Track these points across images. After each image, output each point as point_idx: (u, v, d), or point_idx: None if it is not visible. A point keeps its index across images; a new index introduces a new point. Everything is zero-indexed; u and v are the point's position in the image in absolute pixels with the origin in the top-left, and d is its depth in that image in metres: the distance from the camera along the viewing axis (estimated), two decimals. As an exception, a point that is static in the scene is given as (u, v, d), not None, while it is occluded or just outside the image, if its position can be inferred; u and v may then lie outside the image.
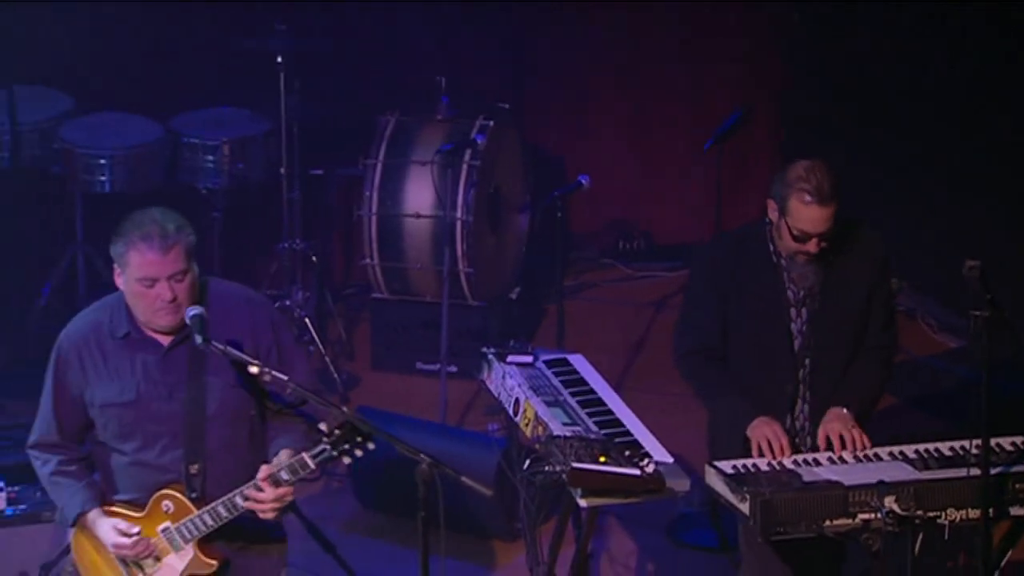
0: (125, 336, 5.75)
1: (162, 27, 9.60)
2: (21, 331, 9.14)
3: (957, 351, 9.26)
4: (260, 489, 5.64)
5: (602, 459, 6.43)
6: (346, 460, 5.61)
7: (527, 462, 6.78)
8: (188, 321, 5.65)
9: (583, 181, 8.86)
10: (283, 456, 5.69)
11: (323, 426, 5.60)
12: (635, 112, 10.34)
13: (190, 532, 5.74)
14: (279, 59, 8.88)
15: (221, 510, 5.70)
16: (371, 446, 5.60)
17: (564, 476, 6.43)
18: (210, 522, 5.72)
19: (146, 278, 5.61)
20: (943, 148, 9.33)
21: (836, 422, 6.37)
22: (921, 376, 8.82)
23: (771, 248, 6.43)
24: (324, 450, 5.59)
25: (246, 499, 5.67)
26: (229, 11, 9.57)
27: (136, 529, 5.75)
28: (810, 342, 6.46)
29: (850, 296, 6.46)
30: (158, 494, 5.75)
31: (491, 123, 9.23)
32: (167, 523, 5.76)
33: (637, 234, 10.36)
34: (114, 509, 5.81)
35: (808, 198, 6.21)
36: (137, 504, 5.79)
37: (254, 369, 5.65)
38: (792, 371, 6.47)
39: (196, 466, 5.75)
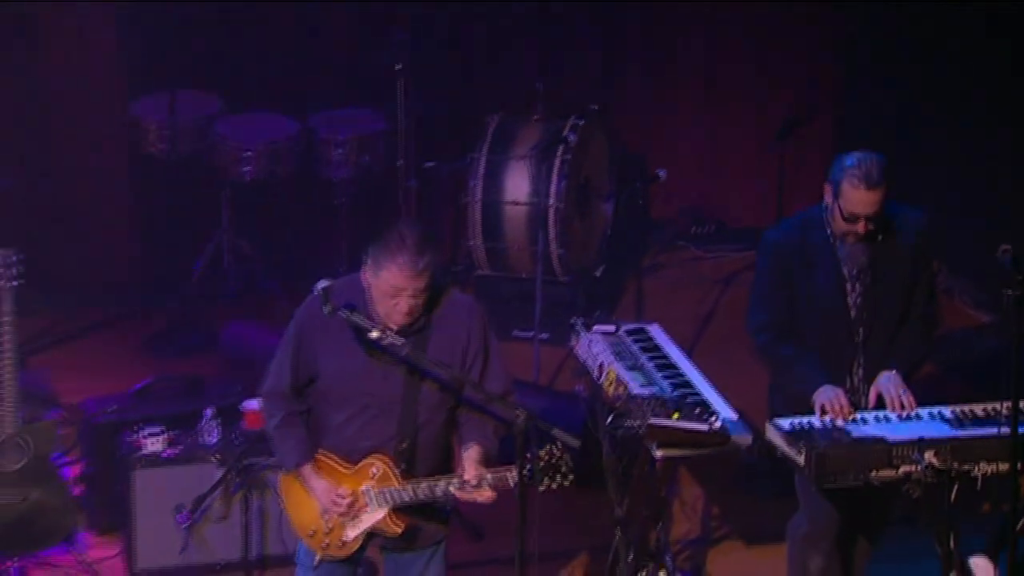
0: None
1: (300, 36, 9.61)
2: (173, 305, 9.17)
3: (990, 325, 9.16)
4: (460, 488, 5.72)
5: (675, 416, 6.47)
6: (540, 489, 5.63)
7: (609, 418, 6.83)
8: (317, 292, 5.68)
9: (661, 174, 8.84)
10: (474, 452, 5.77)
11: (543, 452, 5.62)
12: (707, 112, 10.26)
13: (389, 499, 5.76)
14: (398, 67, 8.84)
15: (422, 491, 5.74)
16: (569, 479, 5.64)
17: (642, 430, 6.49)
18: (408, 497, 5.75)
19: (392, 289, 5.63)
20: (980, 146, 9.24)
21: (888, 383, 6.34)
22: (958, 346, 8.73)
23: (828, 231, 6.39)
24: (529, 474, 5.58)
25: (451, 485, 5.72)
26: (356, 21, 9.55)
27: (348, 495, 5.76)
28: (864, 313, 6.41)
29: (898, 273, 6.41)
30: (370, 458, 5.77)
31: (582, 122, 9.20)
32: (369, 485, 5.77)
33: (708, 220, 10.31)
34: (327, 460, 5.84)
35: (858, 182, 6.20)
36: (345, 456, 5.81)
37: (373, 333, 5.64)
38: (849, 338, 6.43)
39: (406, 443, 5.77)
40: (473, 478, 5.71)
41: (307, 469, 5.82)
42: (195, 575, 7.33)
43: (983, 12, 9.15)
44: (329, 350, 5.80)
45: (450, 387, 5.82)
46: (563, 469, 5.63)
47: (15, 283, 7.04)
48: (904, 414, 6.26)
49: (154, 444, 7.34)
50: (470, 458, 5.76)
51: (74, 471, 7.77)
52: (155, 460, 7.32)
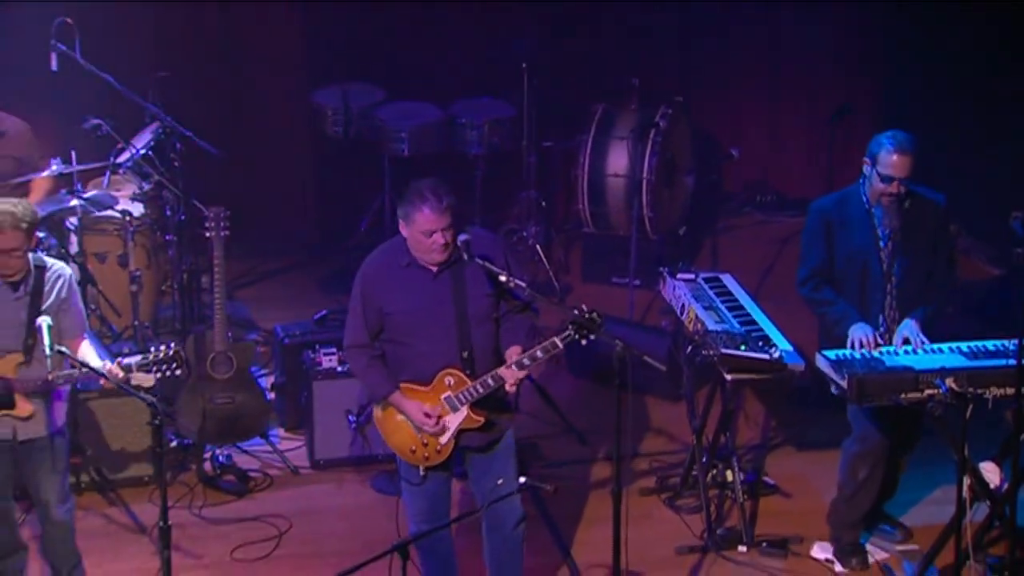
0: (408, 265, 5.76)
1: (445, 37, 9.57)
2: (346, 251, 9.20)
3: (1001, 277, 9.03)
4: (509, 368, 5.68)
5: (742, 347, 6.49)
6: (583, 342, 5.57)
7: (689, 348, 6.86)
8: (459, 245, 5.69)
9: (734, 153, 8.81)
10: (513, 350, 5.72)
11: (575, 312, 5.55)
12: (769, 102, 10.15)
13: (466, 397, 5.76)
14: (524, 64, 8.83)
15: (490, 382, 5.73)
16: (601, 333, 5.54)
17: (715, 358, 6.51)
18: (480, 390, 5.74)
19: (426, 231, 5.64)
20: (999, 129, 9.09)
21: (907, 329, 6.31)
22: (974, 294, 8.60)
23: (864, 200, 6.34)
24: (569, 335, 5.57)
25: (498, 378, 5.70)
26: (490, 26, 9.50)
27: (437, 412, 5.76)
28: (893, 267, 6.37)
29: (921, 235, 6.37)
30: (442, 372, 5.76)
31: (669, 111, 9.14)
32: (448, 393, 5.76)
33: (769, 191, 10.20)
34: (407, 387, 5.81)
35: (893, 149, 6.18)
36: (420, 381, 5.79)
37: (503, 278, 5.69)
38: (881, 288, 6.39)
39: (467, 353, 5.76)
40: (516, 357, 5.67)
41: (396, 396, 5.79)
42: (359, 463, 7.37)
43: (1008, 14, 9.00)
44: (390, 297, 5.78)
45: (491, 301, 5.78)
46: (596, 323, 5.54)
47: (224, 234, 7.12)
48: (928, 348, 6.22)
49: (330, 361, 7.39)
50: (510, 352, 5.74)
51: (268, 381, 7.88)
52: (330, 374, 7.36)
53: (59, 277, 5.98)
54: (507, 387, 5.73)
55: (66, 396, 6.10)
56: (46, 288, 5.93)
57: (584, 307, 5.57)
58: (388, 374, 5.82)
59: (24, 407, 5.92)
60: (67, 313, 5.98)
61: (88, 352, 5.96)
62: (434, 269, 5.74)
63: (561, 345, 5.63)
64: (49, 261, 6.02)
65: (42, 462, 6.04)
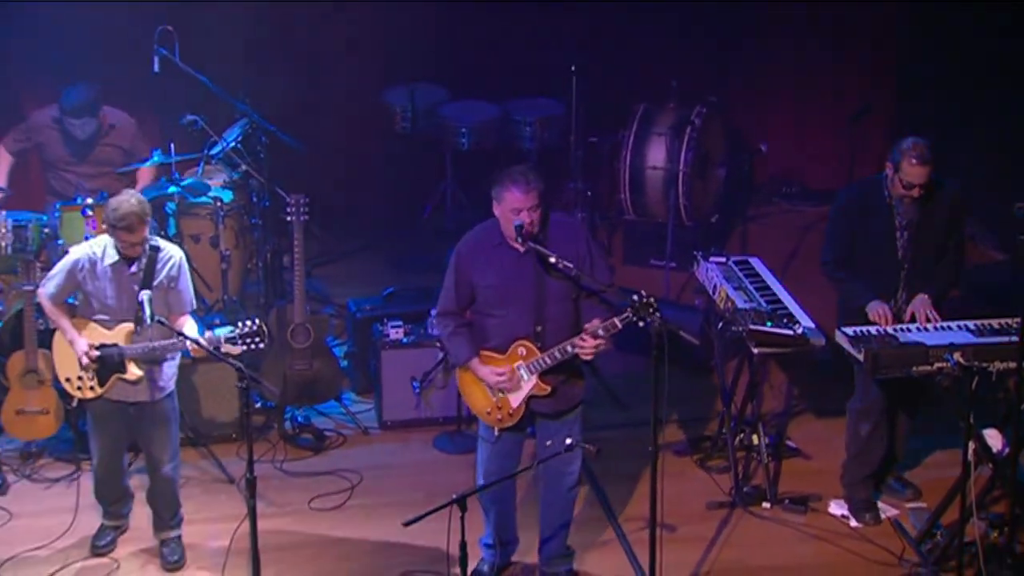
0: (499, 244, 5.76)
1: (501, 42, 9.52)
2: (412, 234, 9.23)
3: (1004, 262, 8.93)
4: (584, 340, 5.67)
5: (768, 323, 6.46)
6: (640, 324, 5.54)
7: (720, 324, 6.83)
8: (513, 228, 5.66)
9: (762, 148, 8.74)
10: (596, 322, 5.69)
11: (635, 297, 5.51)
12: (795, 102, 10.04)
13: (536, 367, 5.76)
14: (572, 67, 8.80)
15: (557, 354, 5.72)
16: (657, 316, 5.49)
17: (744, 333, 6.49)
18: (549, 361, 5.73)
19: (515, 209, 5.63)
20: (1009, 131, 8.98)
21: (919, 304, 6.28)
22: (979, 277, 8.52)
23: (886, 193, 6.31)
24: (627, 317, 5.56)
25: (574, 347, 5.68)
26: (541, 33, 9.45)
27: (507, 372, 5.77)
28: (908, 252, 6.35)
29: (935, 225, 6.34)
30: (516, 343, 5.76)
31: (704, 110, 9.07)
32: (520, 362, 5.77)
33: (794, 183, 10.12)
34: (486, 353, 5.82)
35: (915, 160, 6.14)
36: (498, 349, 5.80)
37: (552, 259, 5.66)
38: (897, 270, 6.37)
39: (540, 327, 5.76)
40: (591, 329, 5.65)
41: (475, 362, 5.80)
42: (422, 425, 7.39)
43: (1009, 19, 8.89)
44: (481, 271, 5.78)
45: (568, 283, 5.75)
46: (652, 306, 5.49)
47: (303, 218, 7.14)
48: (938, 325, 6.20)
49: (396, 333, 7.41)
50: (589, 325, 5.71)
51: (342, 350, 7.90)
52: (397, 344, 7.39)
53: (170, 258, 6.06)
54: (585, 354, 5.68)
55: (175, 363, 6.17)
56: (157, 267, 6.01)
57: (643, 292, 5.54)
58: (470, 342, 5.82)
59: (134, 372, 6.00)
60: (174, 291, 6.05)
61: (190, 325, 6.02)
62: (521, 249, 5.73)
63: (620, 325, 5.61)
64: (163, 244, 6.09)
65: (153, 423, 6.13)
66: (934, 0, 9.37)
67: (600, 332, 5.64)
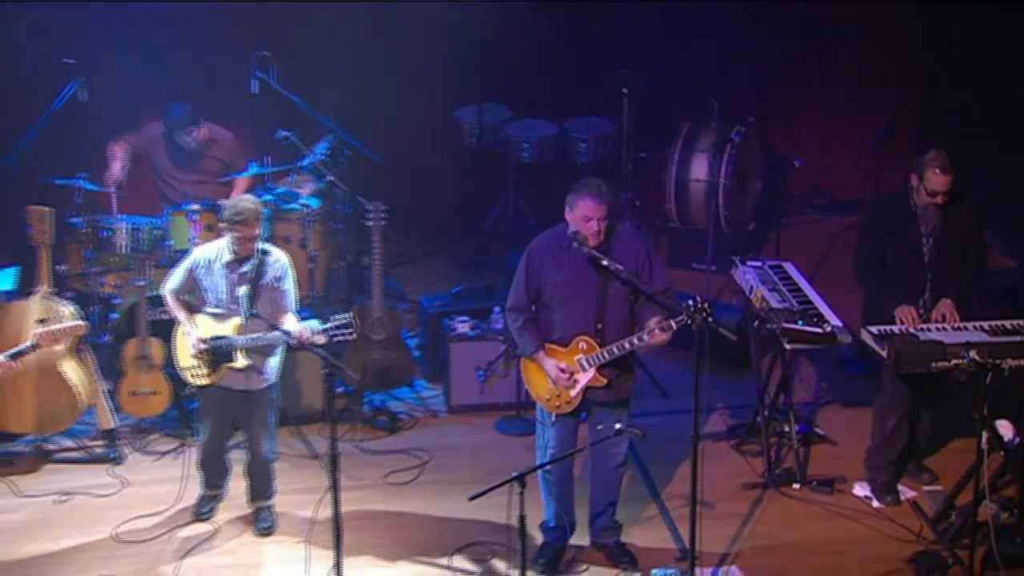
0: (567, 247, 5.74)
1: (560, 67, 9.51)
2: (478, 238, 9.26)
3: (1016, 269, 8.77)
4: (641, 339, 5.64)
5: (800, 322, 6.42)
6: (692, 326, 5.50)
7: (756, 322, 6.78)
8: (570, 234, 5.64)
9: (796, 163, 8.66)
10: (654, 322, 5.66)
11: (690, 301, 5.48)
12: (825, 121, 9.96)
13: (595, 360, 5.75)
14: (624, 90, 8.78)
15: (615, 350, 5.71)
16: (710, 319, 5.45)
17: (777, 331, 6.45)
18: (607, 356, 5.72)
19: (585, 216, 5.62)
20: (1014, 142, 8.86)
21: (943, 307, 6.23)
22: (993, 282, 8.38)
23: (911, 203, 6.26)
24: (682, 319, 5.53)
25: (631, 344, 5.64)
26: (596, 58, 9.45)
27: (570, 370, 5.73)
28: (933, 257, 6.30)
29: (957, 233, 6.29)
30: (578, 338, 5.74)
31: (743, 128, 9.03)
32: (581, 355, 5.75)
33: (824, 194, 10.05)
34: (550, 346, 5.80)
35: (938, 170, 6.11)
36: (561, 343, 5.78)
37: (604, 263, 5.65)
38: (922, 274, 6.32)
39: (600, 324, 5.74)
40: (654, 325, 5.61)
41: (540, 354, 5.79)
42: (486, 409, 7.39)
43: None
44: (549, 270, 5.76)
45: (628, 284, 5.73)
46: (706, 311, 5.45)
47: (382, 223, 7.17)
48: (956, 325, 6.15)
49: (463, 327, 7.44)
50: (650, 323, 5.67)
51: (414, 342, 7.93)
52: (463, 337, 7.40)
53: (276, 261, 6.12)
54: (653, 340, 5.61)
55: (278, 357, 6.21)
56: (265, 268, 6.08)
57: (698, 298, 5.51)
58: (536, 335, 5.79)
59: (241, 361, 6.07)
60: (279, 290, 6.11)
61: (292, 322, 6.05)
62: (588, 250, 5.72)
63: (676, 327, 5.58)
64: (271, 249, 6.14)
65: (256, 409, 6.18)
66: (955, 25, 9.26)
67: (657, 332, 5.62)
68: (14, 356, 5.28)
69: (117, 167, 7.70)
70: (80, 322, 5.45)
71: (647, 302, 5.75)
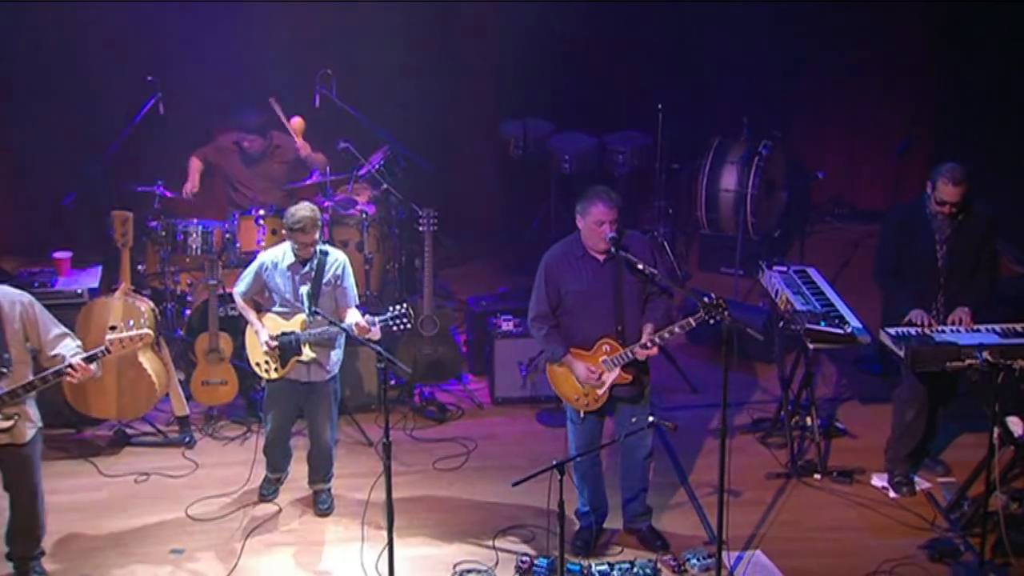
0: (582, 256, 5.74)
1: (599, 85, 9.54)
2: (522, 243, 9.26)
3: (1025, 275, 8.80)
4: (646, 346, 5.65)
5: (822, 323, 6.38)
6: (711, 322, 5.50)
7: (780, 323, 6.76)
8: (608, 240, 5.65)
9: (819, 175, 8.63)
10: (649, 326, 5.65)
11: (706, 299, 5.47)
12: (848, 137, 9.92)
13: (619, 360, 5.74)
14: (659, 106, 8.76)
15: (638, 349, 5.70)
16: (727, 316, 5.45)
17: (801, 331, 6.41)
18: (629, 356, 5.71)
19: (598, 221, 5.61)
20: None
21: (959, 314, 6.19)
22: (1005, 288, 8.29)
23: (926, 212, 6.22)
24: (700, 316, 5.51)
25: (652, 343, 5.64)
26: (634, 73, 9.47)
27: (598, 371, 5.73)
28: (946, 264, 6.25)
29: (970, 240, 6.24)
30: (601, 341, 5.73)
31: (770, 143, 9.01)
32: (605, 357, 5.75)
33: (845, 204, 10.00)
34: (575, 351, 5.80)
35: (948, 180, 6.07)
36: (583, 347, 5.78)
37: (640, 266, 5.68)
38: (936, 279, 6.28)
39: (620, 326, 5.74)
40: (650, 336, 5.61)
41: (568, 357, 5.77)
42: (528, 402, 7.40)
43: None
44: (567, 279, 5.73)
45: (640, 287, 5.71)
46: (721, 306, 5.43)
47: (433, 228, 7.20)
48: (969, 328, 6.11)
49: (507, 325, 7.44)
50: (646, 329, 5.68)
51: (462, 338, 7.94)
52: (507, 335, 7.40)
53: (335, 261, 6.18)
54: (639, 357, 5.66)
55: (340, 351, 6.25)
56: (326, 268, 6.13)
57: (714, 295, 5.50)
58: (561, 341, 5.79)
59: (308, 354, 6.14)
60: (340, 288, 6.17)
61: (354, 317, 6.10)
62: (601, 259, 5.69)
63: (694, 323, 5.57)
64: (331, 250, 6.19)
65: (320, 400, 6.23)
66: (969, 51, 9.20)
67: (676, 330, 5.61)
68: (88, 360, 5.41)
69: (196, 179, 7.84)
70: (147, 331, 5.56)
71: (658, 297, 5.73)
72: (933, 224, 6.22)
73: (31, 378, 5.44)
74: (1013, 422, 6.13)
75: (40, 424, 5.59)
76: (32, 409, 5.53)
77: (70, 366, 5.38)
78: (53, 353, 5.49)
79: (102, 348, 5.45)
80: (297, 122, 7.89)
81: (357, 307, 6.26)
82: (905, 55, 9.70)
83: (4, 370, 5.36)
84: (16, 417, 5.42)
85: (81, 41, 8.65)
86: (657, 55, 9.49)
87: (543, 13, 8.87)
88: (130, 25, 8.59)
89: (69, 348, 5.50)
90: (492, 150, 9.44)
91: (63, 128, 8.71)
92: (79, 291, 7.05)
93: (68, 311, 6.43)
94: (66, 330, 5.58)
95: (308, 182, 7.95)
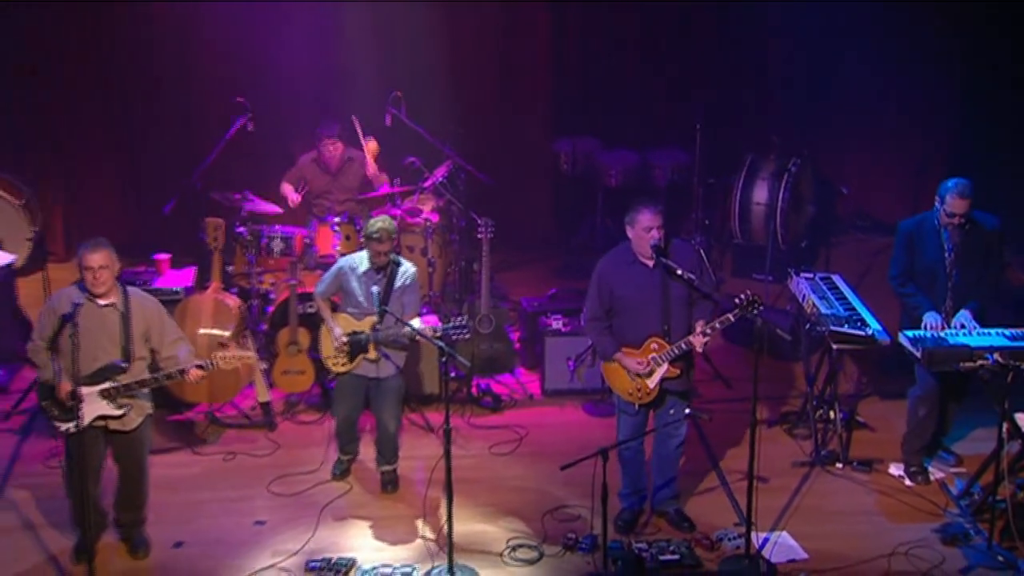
0: (632, 263, 5.77)
1: (644, 104, 9.52)
2: (571, 250, 9.29)
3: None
4: (703, 334, 5.66)
5: (845, 325, 6.36)
6: (753, 313, 5.47)
7: (807, 325, 6.74)
8: (651, 248, 5.68)
9: (844, 190, 8.58)
10: (701, 323, 5.67)
11: (737, 299, 5.46)
12: (871, 155, 9.80)
13: (667, 356, 5.75)
14: (697, 125, 8.72)
15: (683, 346, 5.71)
16: (761, 309, 5.44)
17: (826, 333, 6.39)
18: (676, 351, 5.72)
19: (646, 227, 5.63)
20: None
21: (962, 317, 6.15)
22: (1013, 295, 8.25)
23: (937, 222, 6.19)
24: (738, 312, 5.51)
25: (688, 343, 5.67)
26: (671, 96, 9.46)
27: (645, 362, 5.71)
28: (954, 269, 6.20)
29: (977, 248, 6.20)
30: (649, 339, 5.74)
31: (799, 159, 8.96)
32: (654, 353, 5.75)
33: (868, 217, 9.90)
34: (626, 349, 5.81)
35: (956, 194, 6.05)
36: (633, 345, 5.79)
37: (679, 272, 5.69)
38: (945, 283, 6.25)
39: (666, 326, 5.75)
40: (700, 331, 5.62)
41: (619, 355, 5.78)
42: (576, 394, 7.38)
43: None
44: (619, 284, 5.74)
45: (685, 290, 5.70)
46: (756, 303, 5.42)
47: (490, 235, 7.25)
48: (981, 331, 6.06)
49: (557, 324, 7.44)
50: (698, 325, 5.67)
51: (515, 335, 7.94)
52: (557, 332, 7.39)
53: (406, 272, 6.25)
54: (697, 348, 5.67)
55: (405, 347, 6.32)
56: (397, 276, 6.22)
57: (749, 292, 5.50)
58: (614, 340, 5.81)
59: (373, 353, 6.24)
60: (407, 295, 6.24)
61: (417, 321, 6.17)
62: (650, 264, 5.71)
63: (733, 319, 5.57)
64: (403, 260, 6.27)
65: (387, 394, 6.31)
66: (981, 79, 9.11)
67: (717, 325, 5.63)
68: (200, 367, 5.57)
69: (296, 198, 7.96)
70: (251, 354, 5.70)
71: (702, 301, 5.75)
72: (943, 234, 6.19)
73: (147, 375, 5.58)
74: (1021, 419, 6.08)
75: (150, 411, 5.74)
76: (144, 400, 5.67)
77: (182, 371, 5.51)
78: (169, 355, 5.64)
79: (211, 363, 5.59)
80: (372, 145, 8.00)
81: (419, 313, 6.32)
82: (922, 79, 9.58)
83: (125, 364, 5.50)
84: (127, 407, 5.57)
85: (187, 65, 8.93)
86: (698, 78, 9.43)
87: (592, 46, 8.86)
88: (222, 48, 8.80)
89: (184, 353, 5.63)
90: (544, 165, 9.46)
91: (168, 143, 8.94)
92: (176, 289, 7.21)
93: (167, 307, 6.56)
94: (183, 335, 5.74)
95: (379, 192, 8.05)
